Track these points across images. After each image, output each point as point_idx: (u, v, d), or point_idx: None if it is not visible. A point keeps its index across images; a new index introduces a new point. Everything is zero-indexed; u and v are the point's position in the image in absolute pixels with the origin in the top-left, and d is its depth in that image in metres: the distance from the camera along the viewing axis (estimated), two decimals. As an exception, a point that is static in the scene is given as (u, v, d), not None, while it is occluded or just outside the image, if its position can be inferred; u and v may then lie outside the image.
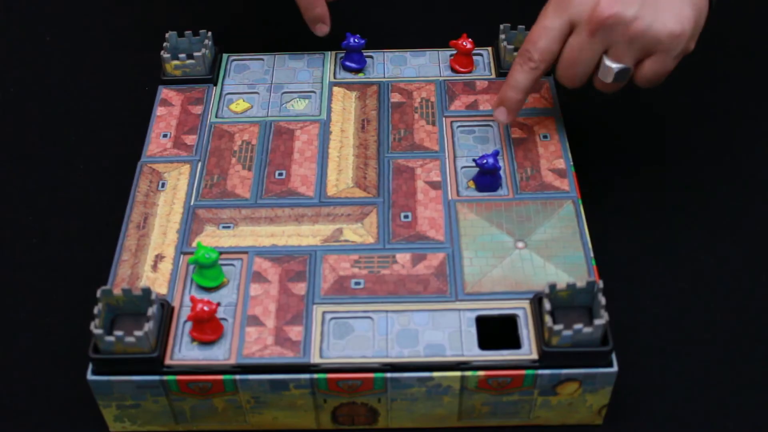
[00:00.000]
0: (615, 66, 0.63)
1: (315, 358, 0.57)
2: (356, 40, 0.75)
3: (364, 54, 0.78)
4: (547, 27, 0.63)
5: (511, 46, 0.74)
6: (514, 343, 0.58)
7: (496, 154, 0.65)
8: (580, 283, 0.57)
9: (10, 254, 0.73)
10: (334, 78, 0.76)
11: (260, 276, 0.61)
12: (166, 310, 0.59)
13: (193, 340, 0.58)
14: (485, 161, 0.64)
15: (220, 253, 0.61)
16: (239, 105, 0.74)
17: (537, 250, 0.62)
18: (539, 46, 0.64)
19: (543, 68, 0.65)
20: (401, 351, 0.57)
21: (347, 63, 0.76)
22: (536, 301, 0.59)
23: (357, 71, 0.77)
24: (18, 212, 0.76)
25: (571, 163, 0.68)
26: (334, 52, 0.79)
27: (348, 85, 0.76)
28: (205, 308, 0.56)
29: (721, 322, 0.66)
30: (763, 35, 0.90)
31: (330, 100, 0.74)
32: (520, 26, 0.75)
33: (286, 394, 0.58)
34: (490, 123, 0.72)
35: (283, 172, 0.69)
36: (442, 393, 0.58)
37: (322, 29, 0.75)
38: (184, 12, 0.95)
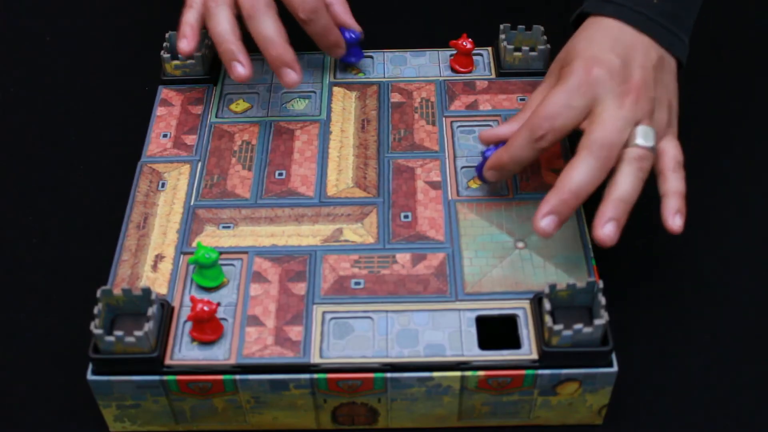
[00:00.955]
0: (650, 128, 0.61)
1: (315, 358, 0.57)
2: (351, 35, 0.75)
3: (365, 54, 0.78)
4: (572, 106, 0.59)
5: (511, 46, 0.74)
6: (514, 343, 0.58)
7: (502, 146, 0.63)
8: (580, 283, 0.57)
9: (10, 254, 0.73)
10: (334, 78, 0.76)
11: (260, 276, 0.61)
12: (166, 310, 0.59)
13: (193, 340, 0.58)
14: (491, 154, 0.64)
15: (220, 253, 0.61)
16: (239, 105, 0.74)
17: (537, 250, 0.62)
18: (557, 125, 0.59)
19: (550, 147, 0.60)
20: (401, 351, 0.57)
21: (345, 58, 0.76)
22: (536, 301, 0.59)
23: (355, 66, 0.77)
24: (18, 212, 0.76)
25: (571, 163, 0.68)
26: (334, 52, 0.79)
27: (348, 85, 0.76)
28: (205, 308, 0.57)
29: (721, 322, 0.66)
30: (763, 35, 0.90)
31: (330, 100, 0.74)
32: (520, 26, 0.75)
33: (286, 394, 0.58)
34: (490, 123, 0.72)
35: (283, 172, 0.69)
36: (442, 393, 0.58)
37: (340, 53, 0.73)
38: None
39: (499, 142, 0.64)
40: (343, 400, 0.58)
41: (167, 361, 0.57)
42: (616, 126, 0.58)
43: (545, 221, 0.57)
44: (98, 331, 0.55)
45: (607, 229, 0.57)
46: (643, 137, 0.59)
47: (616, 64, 0.60)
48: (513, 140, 0.61)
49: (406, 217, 0.65)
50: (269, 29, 0.67)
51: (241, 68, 0.67)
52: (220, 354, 0.57)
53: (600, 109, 0.59)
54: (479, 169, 0.66)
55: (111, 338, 0.55)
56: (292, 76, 0.67)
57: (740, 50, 0.88)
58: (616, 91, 0.59)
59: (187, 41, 0.69)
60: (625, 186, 0.58)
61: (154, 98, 0.75)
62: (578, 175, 0.57)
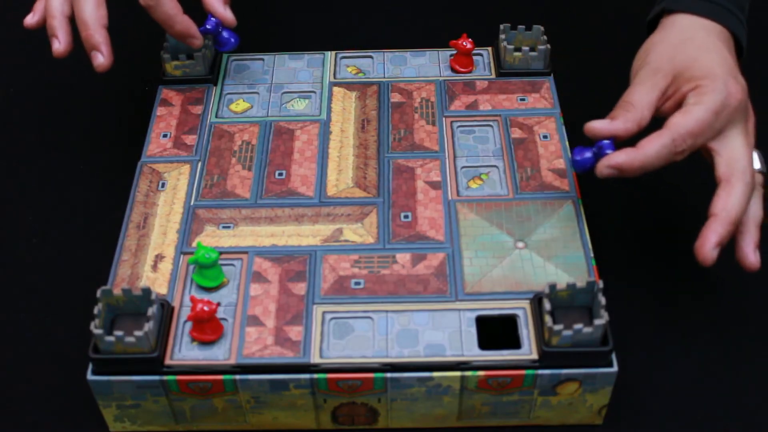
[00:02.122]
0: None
1: (315, 358, 0.57)
2: (208, 26, 0.74)
3: (365, 54, 0.78)
4: (714, 128, 0.60)
5: (511, 46, 0.74)
6: (514, 343, 0.58)
7: (610, 144, 0.62)
8: (580, 283, 0.57)
9: (10, 254, 0.73)
10: (334, 78, 0.76)
11: (260, 276, 0.61)
12: (166, 310, 0.59)
13: (193, 340, 0.58)
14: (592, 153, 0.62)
15: (220, 253, 0.61)
16: (239, 105, 0.74)
17: (537, 250, 0.62)
18: (698, 143, 0.60)
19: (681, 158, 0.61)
20: (401, 351, 0.57)
21: (216, 46, 0.76)
22: (536, 301, 0.59)
23: (227, 52, 0.77)
24: (18, 212, 0.76)
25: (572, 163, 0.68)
26: (334, 52, 0.79)
27: (348, 85, 0.76)
28: (205, 308, 0.56)
29: (721, 322, 0.66)
30: (762, 34, 0.90)
31: (330, 100, 0.74)
32: (520, 26, 0.75)
33: (286, 394, 0.58)
34: (490, 123, 0.72)
35: (283, 172, 0.69)
36: (442, 393, 0.58)
37: (194, 44, 0.71)
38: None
39: (609, 138, 0.61)
40: (343, 400, 0.58)
41: (167, 361, 0.57)
42: (749, 153, 0.61)
43: (714, 252, 0.59)
44: (98, 331, 0.55)
45: (755, 256, 0.61)
46: (759, 162, 0.63)
47: (745, 87, 0.62)
48: (650, 148, 0.59)
49: (406, 217, 0.65)
50: (86, 12, 0.68)
51: (100, 57, 0.68)
52: (220, 354, 0.57)
53: (733, 133, 0.61)
54: (586, 161, 0.62)
55: (111, 338, 0.55)
56: (99, 59, 0.68)
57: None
58: (744, 117, 0.62)
59: (58, 41, 0.69)
60: (759, 212, 0.62)
61: (154, 98, 0.75)
62: (736, 202, 0.60)
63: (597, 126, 0.61)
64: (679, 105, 0.62)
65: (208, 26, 0.75)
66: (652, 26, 0.68)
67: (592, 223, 0.65)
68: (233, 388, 0.57)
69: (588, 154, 0.62)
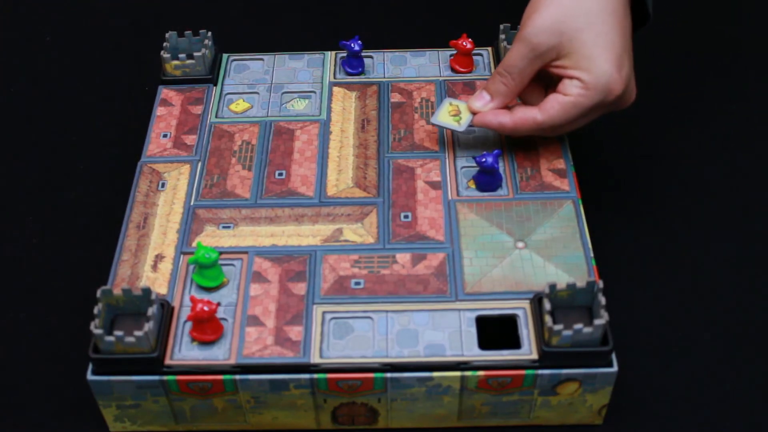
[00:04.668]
0: None
1: (315, 358, 0.57)
2: (355, 45, 0.75)
3: (366, 54, 0.78)
4: (586, 118, 0.65)
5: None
6: (514, 343, 0.58)
7: (497, 155, 0.65)
8: (580, 283, 0.57)
9: (10, 254, 0.73)
10: (334, 78, 0.76)
11: (260, 276, 0.61)
12: (166, 310, 0.59)
13: (193, 340, 0.58)
14: (484, 160, 0.65)
15: (220, 253, 0.61)
16: (239, 105, 0.74)
17: (537, 250, 0.62)
18: (564, 130, 0.66)
19: None
20: (401, 351, 0.57)
21: (345, 66, 0.76)
22: (536, 301, 0.59)
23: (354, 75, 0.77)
24: (18, 212, 0.76)
25: (571, 163, 0.68)
26: (334, 52, 0.79)
27: (348, 85, 0.76)
28: (205, 308, 0.56)
29: (721, 322, 0.66)
30: (761, 34, 0.90)
31: (330, 100, 0.74)
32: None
33: (286, 394, 0.58)
34: (490, 123, 0.72)
35: (283, 172, 0.69)
36: (442, 393, 0.58)
37: None
38: (184, 12, 0.95)
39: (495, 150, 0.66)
40: (343, 400, 0.58)
41: (167, 361, 0.57)
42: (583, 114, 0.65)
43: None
44: (98, 331, 0.55)
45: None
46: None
47: (627, 76, 0.64)
48: (522, 127, 0.66)
49: (406, 217, 0.65)
50: None
51: None
52: (220, 354, 0.57)
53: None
54: (477, 177, 0.66)
55: (111, 338, 0.55)
56: None
57: (740, 50, 0.88)
58: (618, 102, 0.66)
59: None
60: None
61: (154, 98, 0.75)
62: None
63: (477, 106, 0.67)
64: (553, 77, 0.65)
65: (354, 47, 0.75)
66: None
67: (592, 223, 0.65)
68: (233, 388, 0.57)
69: (489, 159, 0.65)
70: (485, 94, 0.67)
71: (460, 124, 0.67)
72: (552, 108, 0.64)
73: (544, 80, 0.66)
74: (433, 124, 0.68)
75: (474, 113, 0.67)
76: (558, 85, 0.64)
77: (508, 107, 0.67)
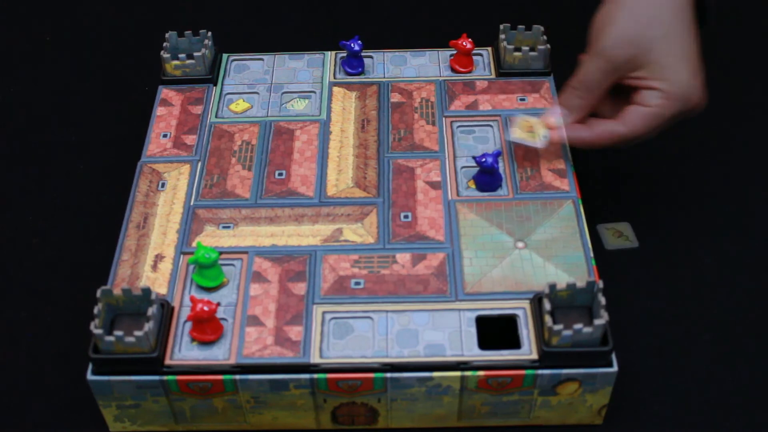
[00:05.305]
0: None
1: (315, 358, 0.57)
2: (354, 44, 0.75)
3: (365, 54, 0.78)
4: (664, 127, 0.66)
5: (511, 46, 0.74)
6: (514, 343, 0.58)
7: (497, 155, 0.65)
8: (580, 283, 0.57)
9: (10, 254, 0.73)
10: (334, 78, 0.76)
11: (260, 276, 0.61)
12: (166, 310, 0.59)
13: (193, 340, 0.58)
14: (484, 159, 0.65)
15: (220, 253, 0.61)
16: (239, 105, 0.74)
17: (537, 250, 0.62)
18: (645, 139, 0.66)
19: None
20: (401, 351, 0.57)
21: (345, 66, 0.76)
22: (536, 301, 0.59)
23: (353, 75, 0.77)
24: (18, 212, 0.76)
25: (571, 163, 0.68)
26: (334, 52, 0.79)
27: (348, 85, 0.76)
28: (205, 308, 0.56)
29: (721, 322, 0.66)
30: (761, 34, 0.90)
31: (330, 100, 0.74)
32: (520, 26, 0.75)
33: (286, 394, 0.58)
34: (490, 123, 0.72)
35: (283, 172, 0.68)
36: (442, 393, 0.58)
37: None
38: (184, 12, 0.95)
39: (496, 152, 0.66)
40: (343, 400, 0.58)
41: (167, 361, 0.57)
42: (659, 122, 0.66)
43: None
44: (98, 331, 0.55)
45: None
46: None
47: (702, 86, 0.65)
48: (602, 139, 0.65)
49: (406, 217, 0.65)
50: None
51: None
52: (220, 354, 0.57)
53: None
54: (476, 177, 0.66)
55: (111, 338, 0.55)
56: None
57: (740, 50, 0.88)
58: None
59: None
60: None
61: (154, 98, 0.75)
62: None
63: (553, 121, 0.66)
64: (630, 88, 0.64)
65: (354, 47, 0.75)
66: None
67: (592, 223, 0.65)
68: (233, 388, 0.57)
69: (489, 159, 0.65)
70: (562, 109, 0.66)
71: (539, 140, 0.66)
72: (634, 120, 0.63)
73: (613, 90, 0.66)
74: (511, 142, 0.67)
75: (551, 128, 0.66)
76: (635, 96, 0.64)
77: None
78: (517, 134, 0.67)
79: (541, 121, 0.67)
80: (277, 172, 0.68)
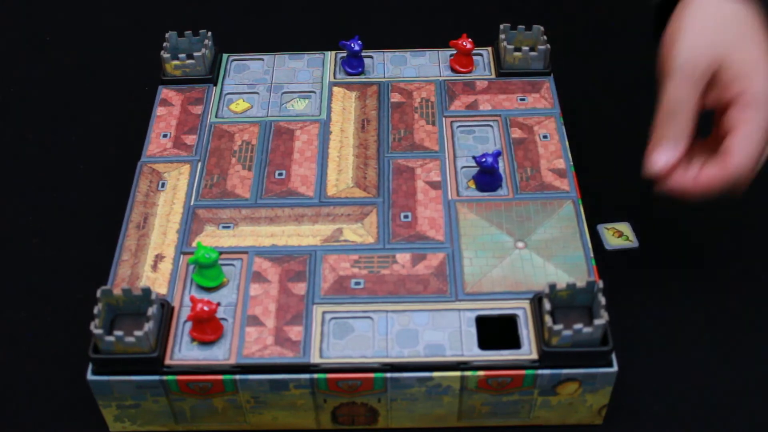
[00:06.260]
0: None
1: (315, 358, 0.57)
2: (355, 44, 0.75)
3: (366, 54, 0.78)
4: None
5: (511, 46, 0.74)
6: (514, 343, 0.58)
7: (497, 155, 0.65)
8: (580, 283, 0.57)
9: (10, 254, 0.73)
10: (334, 78, 0.76)
11: (260, 276, 0.61)
12: (166, 310, 0.59)
13: (193, 340, 0.58)
14: (484, 159, 0.65)
15: (220, 253, 0.61)
16: (239, 105, 0.74)
17: (537, 250, 0.62)
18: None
19: None
20: (401, 351, 0.57)
21: (345, 66, 0.76)
22: (536, 301, 0.59)
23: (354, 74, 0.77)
24: (18, 212, 0.76)
25: (571, 163, 0.68)
26: (334, 52, 0.79)
27: (348, 85, 0.76)
28: (205, 308, 0.56)
29: (721, 322, 0.66)
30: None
31: (330, 100, 0.74)
32: (520, 26, 0.75)
33: (286, 394, 0.58)
34: (490, 123, 0.72)
35: (283, 172, 0.69)
36: (442, 393, 0.58)
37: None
38: (184, 12, 0.95)
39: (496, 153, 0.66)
40: (343, 400, 0.58)
41: (167, 361, 0.57)
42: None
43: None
44: (98, 331, 0.55)
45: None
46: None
47: None
48: (712, 186, 0.59)
49: (406, 217, 0.65)
50: None
51: None
52: (220, 354, 0.57)
53: None
54: (476, 177, 0.66)
55: (111, 338, 0.55)
56: None
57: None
58: None
59: None
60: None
61: (154, 98, 0.75)
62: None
63: (661, 164, 0.60)
64: (720, 101, 0.59)
65: (354, 47, 0.74)
66: (663, 10, 0.63)
67: (592, 223, 0.65)
68: (233, 388, 0.57)
69: (489, 159, 0.65)
70: (661, 146, 0.60)
71: (635, 240, 0.67)
72: (737, 145, 0.58)
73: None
74: (610, 250, 0.67)
75: (660, 173, 0.61)
76: (722, 126, 0.59)
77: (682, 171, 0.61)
78: (613, 242, 0.67)
79: (621, 225, 0.68)
80: (277, 172, 0.68)
